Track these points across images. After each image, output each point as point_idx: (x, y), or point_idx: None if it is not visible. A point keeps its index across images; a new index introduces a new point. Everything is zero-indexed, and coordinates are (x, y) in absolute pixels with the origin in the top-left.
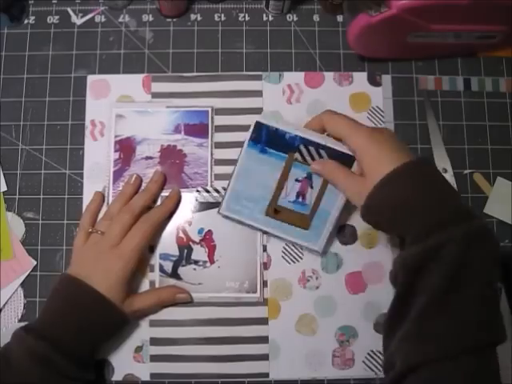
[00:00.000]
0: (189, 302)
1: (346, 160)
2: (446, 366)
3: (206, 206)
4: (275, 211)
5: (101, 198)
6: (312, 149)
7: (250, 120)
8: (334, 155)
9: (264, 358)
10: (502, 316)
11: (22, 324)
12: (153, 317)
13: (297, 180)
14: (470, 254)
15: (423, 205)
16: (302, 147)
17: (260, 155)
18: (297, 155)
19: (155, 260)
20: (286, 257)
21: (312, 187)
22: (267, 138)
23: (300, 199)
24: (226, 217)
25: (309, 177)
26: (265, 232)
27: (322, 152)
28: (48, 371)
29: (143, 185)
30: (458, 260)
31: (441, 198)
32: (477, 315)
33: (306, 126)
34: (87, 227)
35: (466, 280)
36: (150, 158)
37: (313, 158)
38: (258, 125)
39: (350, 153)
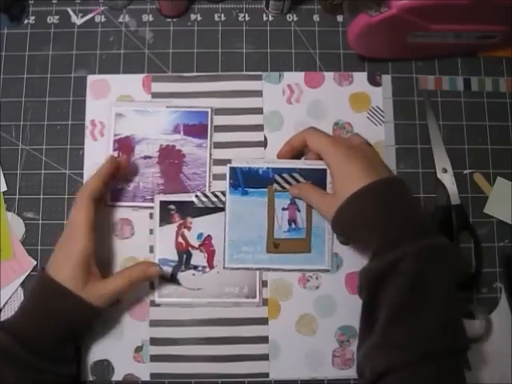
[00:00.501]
0: (166, 279)
1: (320, 176)
2: (409, 373)
3: (205, 211)
4: (275, 245)
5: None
6: (286, 175)
7: (250, 120)
8: (308, 174)
9: (264, 358)
10: (463, 325)
11: None
12: (153, 317)
13: (283, 209)
14: (425, 267)
15: (384, 222)
16: (277, 177)
17: (243, 198)
18: (275, 186)
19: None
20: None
21: (299, 210)
22: (244, 180)
23: (293, 226)
24: (233, 269)
25: (293, 202)
26: (273, 270)
27: (296, 175)
28: (15, 366)
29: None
30: (414, 274)
31: (402, 216)
32: (435, 325)
33: (289, 141)
34: None
35: (423, 292)
36: (149, 157)
37: (290, 184)
38: (232, 170)
39: (322, 167)
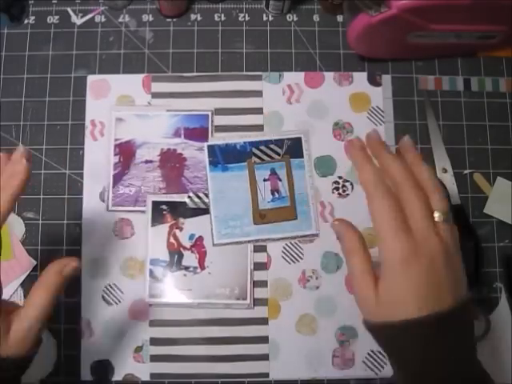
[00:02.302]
0: (79, 270)
1: (295, 144)
2: None
3: (197, 212)
4: (261, 216)
5: None
6: (263, 147)
7: (250, 120)
8: (284, 144)
9: (264, 358)
10: None
11: None
12: (153, 317)
13: (265, 180)
14: None
15: (425, 367)
16: (254, 150)
17: (224, 174)
18: (254, 159)
19: (145, 265)
20: (286, 257)
21: (280, 179)
22: (223, 156)
23: (276, 195)
24: (223, 244)
25: (273, 172)
26: (262, 241)
27: (273, 146)
28: None
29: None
30: None
31: (446, 364)
32: None
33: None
34: None
35: None
36: (150, 161)
37: (268, 155)
38: (210, 147)
39: (297, 136)
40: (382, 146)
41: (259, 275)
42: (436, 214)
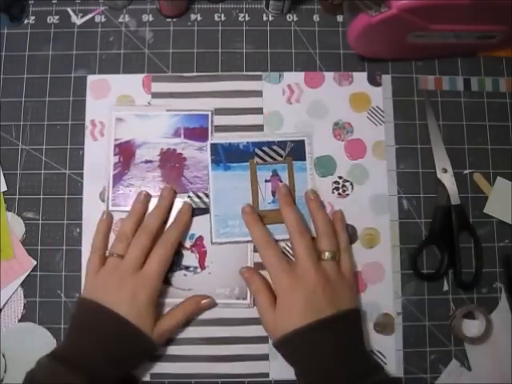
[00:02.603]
0: (214, 306)
1: (298, 146)
2: None
3: (197, 212)
4: (261, 217)
5: (110, 217)
6: (266, 148)
7: (250, 120)
8: (287, 146)
9: (264, 358)
10: None
11: (22, 324)
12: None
13: (266, 181)
14: None
15: (316, 366)
16: (257, 150)
17: (225, 173)
18: (256, 159)
19: None
20: (286, 257)
21: (281, 181)
22: (225, 155)
23: (277, 197)
24: (221, 243)
25: (275, 173)
26: None
27: (275, 147)
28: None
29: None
30: None
31: (338, 360)
32: None
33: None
34: (102, 250)
35: None
36: (150, 161)
37: (270, 157)
38: (213, 146)
39: (300, 138)
40: (286, 199)
41: None
42: (324, 254)
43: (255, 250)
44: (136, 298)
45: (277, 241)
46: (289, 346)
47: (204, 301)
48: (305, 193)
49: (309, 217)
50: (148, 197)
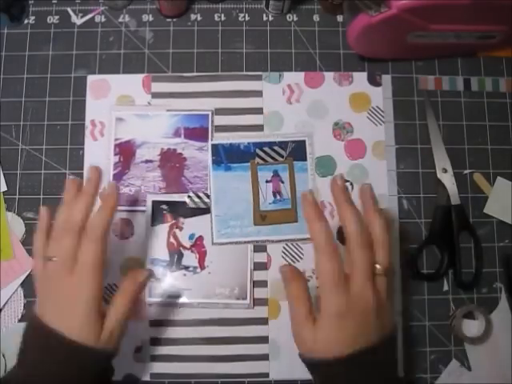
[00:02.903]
0: (153, 276)
1: (299, 146)
2: None
3: (197, 212)
4: (262, 218)
5: (49, 213)
6: (267, 149)
7: (250, 120)
8: (288, 146)
9: (264, 357)
10: None
11: (22, 324)
12: (153, 317)
13: (267, 181)
14: None
15: None
16: (258, 151)
17: (226, 173)
18: (257, 160)
19: (145, 265)
20: (286, 257)
21: (283, 182)
22: (226, 156)
23: (278, 197)
24: (222, 243)
25: (276, 173)
26: (261, 242)
27: (276, 148)
28: None
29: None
30: None
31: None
32: None
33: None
34: (42, 252)
35: None
36: (150, 161)
37: (271, 157)
38: (214, 146)
39: (301, 138)
40: (344, 195)
41: (259, 275)
42: (378, 266)
43: (255, 250)
44: (74, 301)
45: (285, 241)
46: (327, 371)
47: (141, 275)
48: (360, 190)
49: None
50: (77, 182)
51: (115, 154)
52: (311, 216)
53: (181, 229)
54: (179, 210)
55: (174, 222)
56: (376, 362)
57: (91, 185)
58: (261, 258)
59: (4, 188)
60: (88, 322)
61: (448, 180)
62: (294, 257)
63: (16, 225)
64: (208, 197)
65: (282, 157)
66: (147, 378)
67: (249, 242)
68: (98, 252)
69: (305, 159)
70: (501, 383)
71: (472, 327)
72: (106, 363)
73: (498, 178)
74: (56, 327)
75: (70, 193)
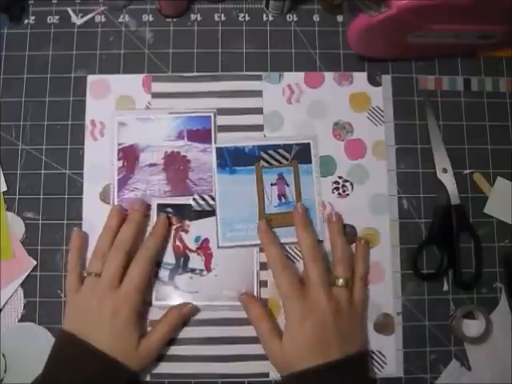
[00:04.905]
0: (197, 312)
1: (304, 149)
2: None
3: (202, 214)
4: (267, 221)
5: (82, 234)
6: (272, 152)
7: (250, 120)
8: (292, 149)
9: (264, 358)
10: None
11: (22, 324)
12: (153, 317)
13: (272, 184)
14: None
15: None
16: (263, 154)
17: (231, 177)
18: (262, 163)
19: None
20: (287, 257)
21: (288, 185)
22: (231, 159)
23: (283, 200)
24: (228, 247)
25: (281, 176)
26: None
27: (281, 151)
28: None
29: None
30: None
31: None
32: None
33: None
34: (78, 269)
35: None
36: (154, 165)
37: (276, 160)
38: (219, 150)
39: (306, 141)
40: (303, 221)
41: (260, 275)
42: (338, 280)
43: (261, 251)
44: (117, 317)
45: (282, 244)
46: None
47: (185, 309)
48: (328, 214)
49: (314, 215)
50: (122, 209)
51: (119, 159)
52: (264, 242)
53: (186, 232)
54: (184, 213)
55: (179, 224)
56: (342, 378)
57: (137, 214)
58: (262, 258)
59: (4, 188)
60: (129, 333)
61: (448, 180)
62: (294, 257)
63: (16, 225)
64: (213, 199)
65: (287, 160)
66: (147, 377)
67: (254, 246)
68: (145, 270)
69: (309, 162)
70: (501, 383)
71: (472, 327)
72: (136, 379)
73: (498, 178)
74: (91, 341)
75: (114, 219)
